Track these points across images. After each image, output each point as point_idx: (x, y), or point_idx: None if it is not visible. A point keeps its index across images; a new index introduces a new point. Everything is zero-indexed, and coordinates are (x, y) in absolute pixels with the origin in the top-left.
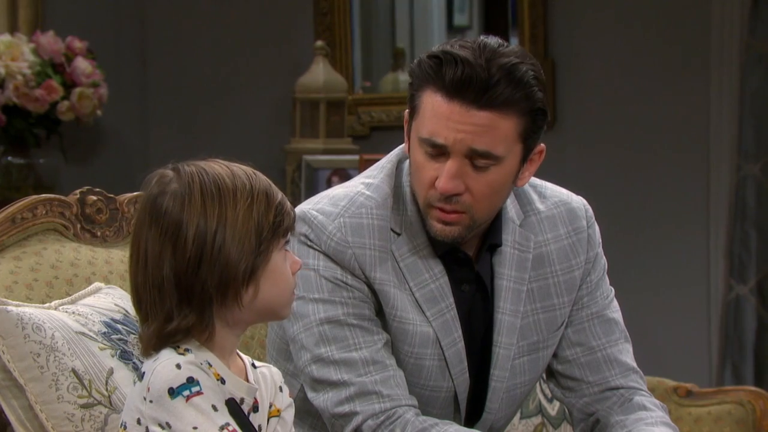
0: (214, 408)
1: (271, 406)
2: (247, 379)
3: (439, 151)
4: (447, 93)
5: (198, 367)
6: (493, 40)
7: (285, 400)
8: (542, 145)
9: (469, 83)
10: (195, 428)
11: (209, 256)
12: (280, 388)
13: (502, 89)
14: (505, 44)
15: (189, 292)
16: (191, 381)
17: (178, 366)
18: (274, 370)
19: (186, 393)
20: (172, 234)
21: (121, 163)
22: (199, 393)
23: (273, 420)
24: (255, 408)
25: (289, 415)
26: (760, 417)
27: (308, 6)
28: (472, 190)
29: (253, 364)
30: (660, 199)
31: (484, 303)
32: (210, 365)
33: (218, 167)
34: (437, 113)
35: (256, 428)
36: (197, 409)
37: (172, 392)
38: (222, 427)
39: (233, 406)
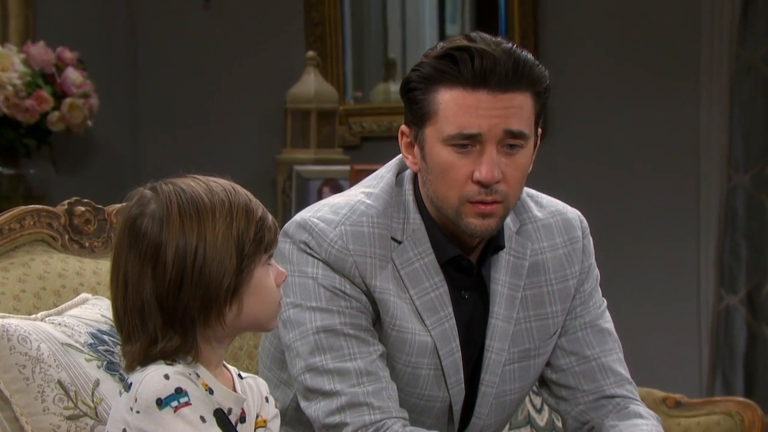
0: (203, 419)
1: (257, 417)
2: (234, 390)
3: (472, 142)
4: (469, 85)
5: (186, 377)
6: (481, 33)
7: (271, 411)
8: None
9: (491, 70)
10: None
11: (190, 277)
12: (266, 399)
13: (516, 72)
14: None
15: (172, 315)
16: (180, 392)
17: (167, 377)
18: (260, 380)
19: (174, 404)
20: (151, 256)
21: (111, 173)
22: (187, 404)
23: (260, 431)
24: (242, 418)
25: (275, 425)
26: (748, 427)
27: (299, 16)
28: (507, 176)
29: (239, 375)
30: (650, 209)
31: (484, 310)
32: (198, 376)
33: (196, 185)
34: (463, 106)
35: None
36: (185, 420)
37: (161, 403)
38: None
39: (221, 417)
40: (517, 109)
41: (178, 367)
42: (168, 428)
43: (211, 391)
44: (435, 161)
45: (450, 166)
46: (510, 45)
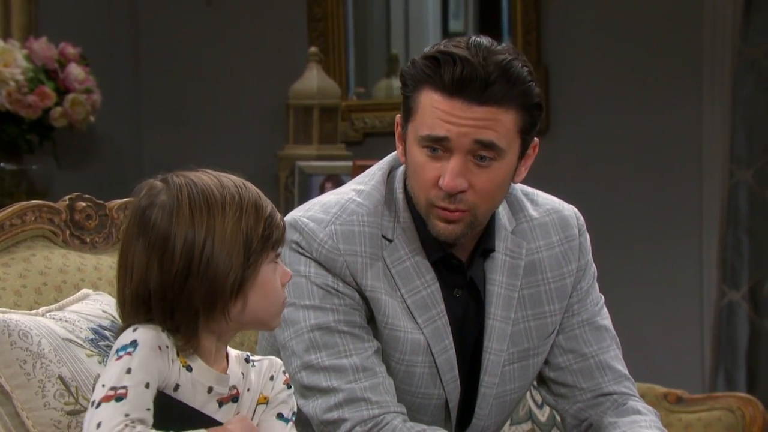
0: (128, 371)
1: (260, 394)
2: (226, 373)
3: (442, 147)
4: (447, 91)
5: (156, 336)
6: (485, 40)
7: (276, 387)
8: (536, 139)
9: (470, 81)
10: (103, 386)
11: (197, 269)
12: (271, 377)
13: (500, 86)
14: (496, 43)
15: (174, 306)
16: (133, 344)
17: (135, 330)
18: (275, 361)
19: (121, 353)
20: (159, 247)
21: (114, 169)
22: (128, 354)
23: (260, 407)
24: (234, 398)
25: (282, 397)
26: (749, 423)
27: (302, 12)
28: (475, 186)
29: (246, 359)
30: (653, 206)
31: (477, 309)
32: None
33: (207, 178)
34: (437, 109)
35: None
36: (115, 367)
37: (116, 352)
38: (112, 387)
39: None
40: (491, 121)
41: (160, 332)
42: (105, 371)
43: (189, 369)
44: (411, 159)
45: (421, 166)
46: (506, 57)
